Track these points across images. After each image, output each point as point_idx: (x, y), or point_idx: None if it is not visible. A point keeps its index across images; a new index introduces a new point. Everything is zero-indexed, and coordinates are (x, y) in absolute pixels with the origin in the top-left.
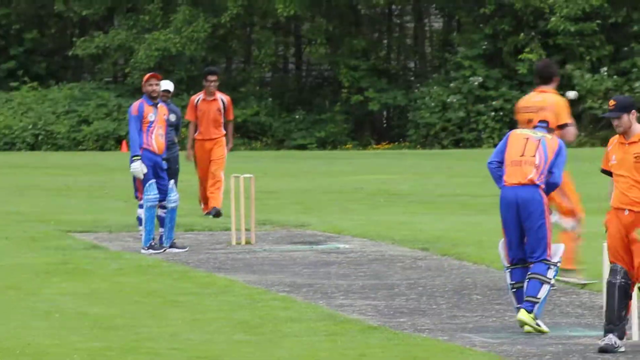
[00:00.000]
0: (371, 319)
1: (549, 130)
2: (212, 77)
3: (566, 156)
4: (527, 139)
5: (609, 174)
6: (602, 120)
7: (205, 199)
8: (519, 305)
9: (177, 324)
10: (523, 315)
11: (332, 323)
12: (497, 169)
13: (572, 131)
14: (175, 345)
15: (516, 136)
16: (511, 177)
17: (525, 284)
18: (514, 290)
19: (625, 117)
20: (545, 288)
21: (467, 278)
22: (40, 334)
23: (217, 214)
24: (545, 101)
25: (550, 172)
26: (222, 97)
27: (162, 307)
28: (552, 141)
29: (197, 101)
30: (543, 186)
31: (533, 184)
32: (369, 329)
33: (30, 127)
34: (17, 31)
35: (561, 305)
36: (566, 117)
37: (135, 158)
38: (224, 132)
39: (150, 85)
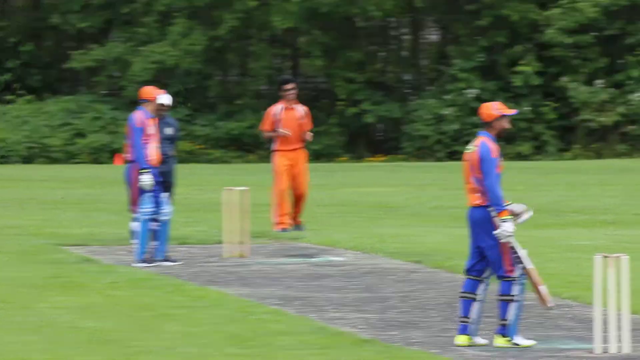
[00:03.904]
0: (363, 332)
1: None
2: (289, 86)
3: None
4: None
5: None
6: (596, 132)
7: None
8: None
9: (170, 338)
10: (498, 340)
11: (323, 336)
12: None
13: None
14: (170, 359)
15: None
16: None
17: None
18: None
19: None
20: (512, 307)
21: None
22: (34, 348)
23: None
24: None
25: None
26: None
27: (155, 320)
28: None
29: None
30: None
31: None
32: (360, 342)
33: (24, 140)
34: (14, 44)
35: (553, 318)
36: None
37: (144, 171)
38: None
39: (159, 104)
